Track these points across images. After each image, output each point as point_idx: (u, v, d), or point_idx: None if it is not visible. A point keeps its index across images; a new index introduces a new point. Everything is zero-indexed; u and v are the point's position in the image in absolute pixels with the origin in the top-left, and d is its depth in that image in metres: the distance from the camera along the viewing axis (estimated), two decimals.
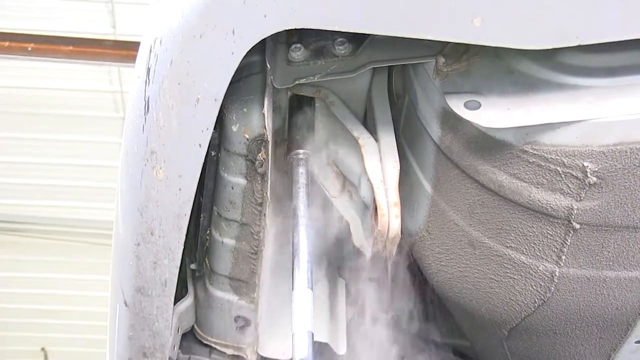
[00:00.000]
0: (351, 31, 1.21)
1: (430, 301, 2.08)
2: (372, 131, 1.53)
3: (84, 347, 9.12)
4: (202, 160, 1.35)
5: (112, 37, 6.65)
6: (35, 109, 7.16)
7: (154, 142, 1.32)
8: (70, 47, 6.29)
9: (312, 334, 1.30)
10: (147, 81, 1.28)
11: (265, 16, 1.17)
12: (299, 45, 1.36)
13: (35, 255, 8.33)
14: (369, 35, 1.31)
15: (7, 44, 6.28)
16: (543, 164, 1.34)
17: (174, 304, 1.60)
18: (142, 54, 1.31)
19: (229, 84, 1.26)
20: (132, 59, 6.20)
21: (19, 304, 8.87)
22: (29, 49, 6.24)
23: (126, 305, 1.56)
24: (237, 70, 1.24)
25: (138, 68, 1.32)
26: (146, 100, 1.29)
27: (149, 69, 1.28)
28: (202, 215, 1.58)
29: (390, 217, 1.43)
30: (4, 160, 7.61)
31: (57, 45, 6.29)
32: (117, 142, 7.38)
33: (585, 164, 1.32)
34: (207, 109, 1.28)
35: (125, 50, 6.36)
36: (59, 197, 7.85)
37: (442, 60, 1.37)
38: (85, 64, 6.58)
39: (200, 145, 1.32)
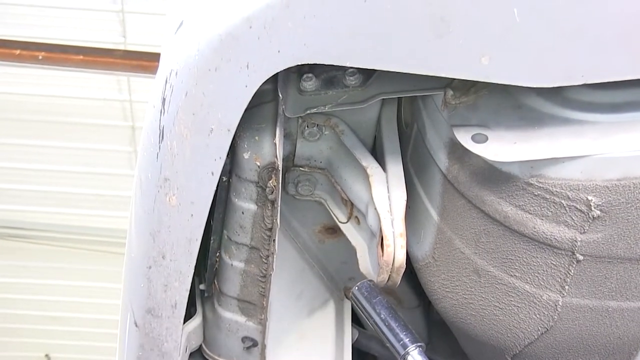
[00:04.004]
0: (362, 67, 1.24)
1: (434, 322, 2.11)
2: (381, 160, 1.56)
3: (88, 354, 9.13)
4: (214, 188, 1.38)
5: (122, 47, 6.69)
6: (45, 117, 7.19)
7: (167, 169, 1.35)
8: (81, 56, 6.35)
9: None
10: (162, 111, 1.32)
11: (278, 51, 1.21)
12: (310, 75, 1.38)
13: (42, 262, 8.36)
14: None
15: (18, 52, 6.33)
16: (548, 197, 1.37)
17: (183, 324, 1.63)
18: (157, 84, 1.34)
19: (242, 113, 1.29)
20: (142, 68, 6.30)
21: (24, 310, 8.89)
22: (40, 57, 6.30)
23: (136, 325, 1.59)
24: (250, 99, 1.27)
25: (153, 98, 1.35)
26: (161, 129, 1.33)
27: (164, 99, 1.31)
28: (212, 238, 1.60)
29: (396, 248, 1.46)
30: (12, 166, 7.64)
31: (67, 54, 6.35)
32: (125, 150, 7.44)
33: (590, 197, 1.35)
34: (220, 138, 1.31)
35: (135, 60, 6.41)
36: (66, 204, 7.88)
37: (450, 93, 1.40)
38: (96, 73, 6.63)
39: (212, 173, 1.35)
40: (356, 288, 1.58)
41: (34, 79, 6.92)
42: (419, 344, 1.52)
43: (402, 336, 1.53)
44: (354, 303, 1.61)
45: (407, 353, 1.51)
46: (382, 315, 1.55)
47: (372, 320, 1.57)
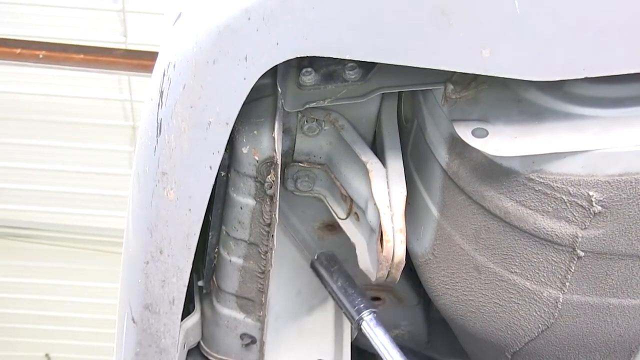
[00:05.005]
0: (361, 60, 1.23)
1: (434, 320, 2.10)
2: (381, 156, 1.55)
3: (88, 355, 9.13)
4: (212, 182, 1.37)
5: (123, 46, 6.68)
6: (46, 116, 7.19)
7: (165, 163, 1.34)
8: (82, 55, 6.34)
9: None
10: (160, 104, 1.31)
11: (277, 44, 1.20)
12: (309, 69, 1.37)
13: (43, 262, 8.36)
14: None
15: (18, 51, 6.33)
16: (549, 192, 1.36)
17: (181, 320, 1.62)
18: (155, 77, 1.33)
19: (240, 107, 1.28)
20: (142, 68, 6.30)
21: (24, 309, 8.89)
22: (41, 56, 6.30)
23: (134, 321, 1.58)
24: (248, 93, 1.26)
25: (151, 91, 1.34)
26: (158, 122, 1.32)
27: (162, 92, 1.30)
28: (210, 234, 1.59)
29: (396, 243, 1.45)
30: (12, 166, 7.64)
31: (68, 53, 6.34)
32: (125, 150, 7.43)
33: (591, 193, 1.34)
34: (218, 132, 1.30)
35: (135, 60, 6.41)
36: (67, 204, 7.88)
37: (450, 87, 1.38)
38: (96, 72, 6.63)
39: (210, 167, 1.34)
40: (315, 257, 1.62)
41: (34, 78, 6.92)
42: (372, 309, 1.59)
43: (357, 302, 1.58)
44: (314, 272, 1.64)
45: (362, 318, 1.57)
46: (339, 283, 1.59)
47: (329, 287, 1.60)
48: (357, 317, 1.58)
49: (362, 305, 1.59)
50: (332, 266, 1.60)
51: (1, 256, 8.37)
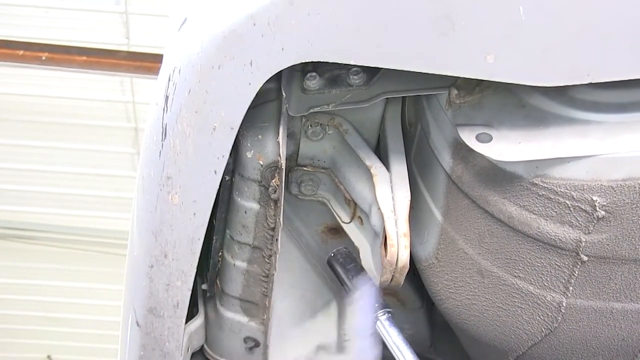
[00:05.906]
0: (366, 65, 1.23)
1: (437, 324, 2.10)
2: (384, 160, 1.55)
3: (90, 356, 9.14)
4: (217, 187, 1.37)
5: (125, 48, 6.69)
6: (48, 118, 7.20)
7: (170, 168, 1.35)
8: (84, 57, 6.37)
9: None
10: (165, 109, 1.31)
11: (282, 49, 1.20)
12: (314, 74, 1.38)
13: (44, 263, 8.37)
14: None
15: (21, 52, 6.35)
16: (552, 197, 1.36)
17: (185, 324, 1.62)
18: (160, 82, 1.33)
19: (245, 111, 1.29)
20: (144, 70, 6.31)
21: (27, 311, 8.89)
22: (43, 58, 6.32)
23: (138, 325, 1.59)
24: (253, 97, 1.27)
25: (156, 96, 1.34)
26: (164, 127, 1.32)
27: (167, 97, 1.30)
28: (214, 238, 1.60)
29: (400, 248, 1.45)
30: (16, 167, 7.65)
31: (71, 55, 6.37)
32: (128, 152, 7.43)
33: (594, 198, 1.34)
34: (223, 137, 1.30)
35: (138, 62, 6.43)
36: (69, 206, 7.88)
37: (455, 92, 1.39)
38: (99, 74, 6.64)
39: (215, 171, 1.35)
40: (332, 255, 1.61)
41: (37, 80, 6.92)
42: (388, 309, 1.59)
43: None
44: (330, 269, 1.63)
45: (377, 317, 1.56)
46: (354, 282, 1.58)
47: (346, 285, 1.59)
48: (372, 316, 1.57)
49: (377, 305, 1.57)
50: (349, 264, 1.60)
51: (3, 257, 8.38)
